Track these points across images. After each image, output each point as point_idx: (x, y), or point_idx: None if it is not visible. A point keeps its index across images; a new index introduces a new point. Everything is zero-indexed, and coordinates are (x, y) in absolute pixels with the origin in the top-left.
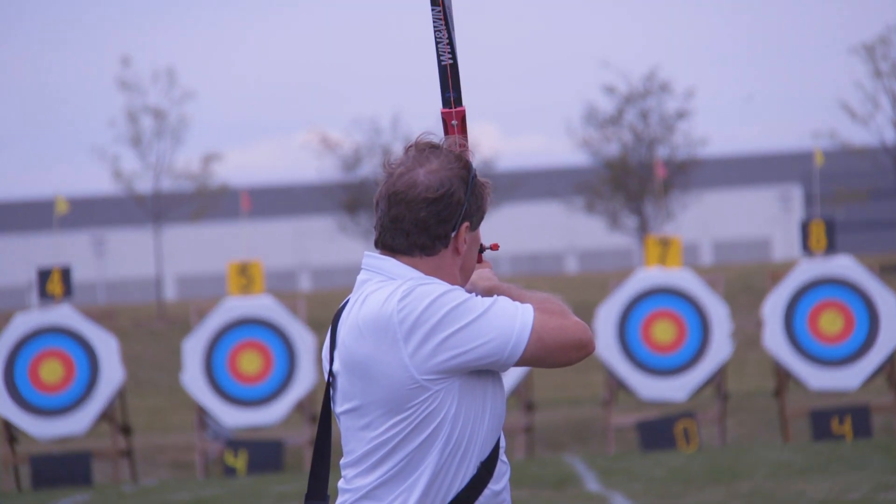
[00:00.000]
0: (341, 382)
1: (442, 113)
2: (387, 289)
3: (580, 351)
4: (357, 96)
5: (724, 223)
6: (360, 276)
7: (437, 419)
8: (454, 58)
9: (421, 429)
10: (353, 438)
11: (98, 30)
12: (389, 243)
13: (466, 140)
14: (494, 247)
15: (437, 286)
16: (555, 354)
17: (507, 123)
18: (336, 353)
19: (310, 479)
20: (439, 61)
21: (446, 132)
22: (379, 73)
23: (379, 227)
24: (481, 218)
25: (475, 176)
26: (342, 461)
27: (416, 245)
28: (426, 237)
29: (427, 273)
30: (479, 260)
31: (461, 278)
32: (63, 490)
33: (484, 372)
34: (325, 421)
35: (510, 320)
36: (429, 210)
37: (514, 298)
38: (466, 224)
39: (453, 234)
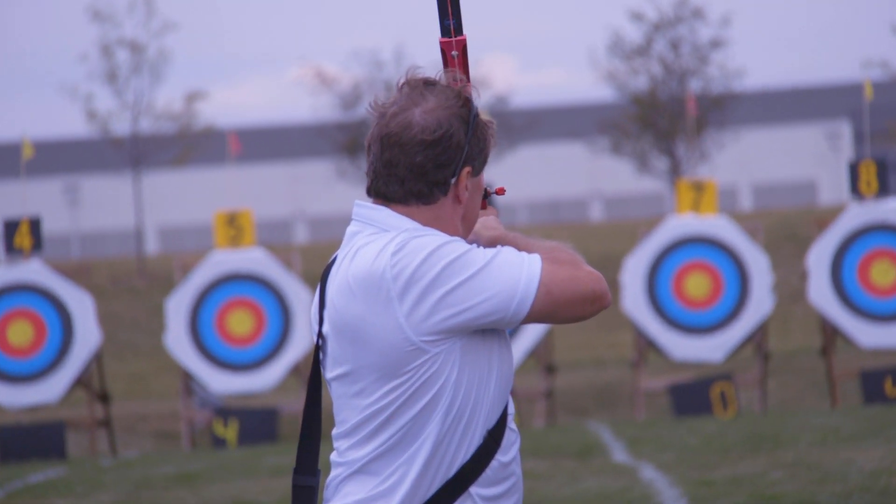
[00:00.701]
0: (331, 345)
1: (441, 43)
2: (379, 242)
3: (594, 304)
4: (355, 26)
5: (765, 164)
6: (351, 228)
7: (437, 384)
8: None
9: (419, 395)
10: (346, 406)
11: None
12: (383, 191)
13: (468, 74)
14: (500, 191)
15: (433, 238)
16: (566, 308)
17: (524, 55)
18: (325, 314)
19: (298, 451)
20: None
21: (446, 64)
22: None
23: (371, 174)
24: (484, 162)
25: (477, 115)
26: (334, 431)
27: (413, 193)
28: (423, 184)
29: (424, 223)
30: (484, 207)
31: (463, 229)
32: (34, 464)
33: (489, 331)
34: (314, 387)
35: (515, 273)
36: (425, 154)
37: (520, 248)
38: (468, 169)
39: (453, 181)
